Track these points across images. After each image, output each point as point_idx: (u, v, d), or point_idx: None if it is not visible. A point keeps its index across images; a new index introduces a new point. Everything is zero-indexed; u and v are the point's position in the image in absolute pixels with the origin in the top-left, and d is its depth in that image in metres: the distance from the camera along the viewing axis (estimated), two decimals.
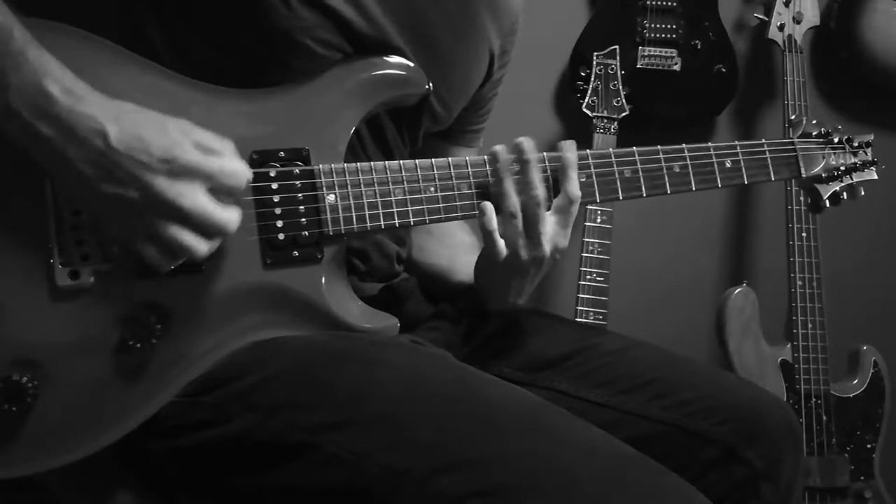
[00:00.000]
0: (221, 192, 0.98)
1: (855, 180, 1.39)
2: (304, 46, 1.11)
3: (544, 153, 1.17)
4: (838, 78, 2.59)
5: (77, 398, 0.99)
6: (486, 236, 1.14)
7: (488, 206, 1.13)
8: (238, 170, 0.99)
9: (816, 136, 1.38)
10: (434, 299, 1.37)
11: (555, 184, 1.17)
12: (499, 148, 1.15)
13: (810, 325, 2.22)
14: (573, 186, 1.16)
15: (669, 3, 2.33)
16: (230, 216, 0.98)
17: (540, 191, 1.13)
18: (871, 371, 2.29)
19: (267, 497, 1.02)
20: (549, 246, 1.15)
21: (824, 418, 2.21)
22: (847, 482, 2.20)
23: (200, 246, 0.97)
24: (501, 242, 1.14)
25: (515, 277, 1.18)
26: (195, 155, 0.96)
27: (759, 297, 2.25)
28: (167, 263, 0.98)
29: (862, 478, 2.23)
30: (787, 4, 2.33)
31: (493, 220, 1.13)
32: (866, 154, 1.40)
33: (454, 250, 1.42)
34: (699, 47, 2.36)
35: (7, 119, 0.92)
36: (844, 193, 1.39)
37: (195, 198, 0.95)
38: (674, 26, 2.34)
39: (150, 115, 0.97)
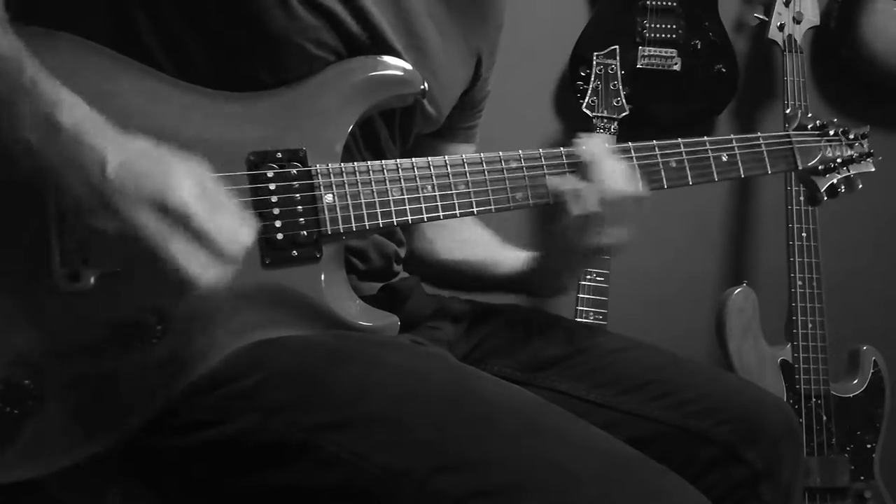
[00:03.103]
0: (208, 246, 0.93)
1: (852, 172, 1.39)
2: (299, 48, 1.11)
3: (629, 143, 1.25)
4: (838, 78, 2.59)
5: (78, 400, 0.99)
6: (573, 218, 1.19)
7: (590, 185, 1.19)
8: (233, 230, 0.94)
9: (812, 129, 1.38)
10: (440, 297, 1.37)
11: None
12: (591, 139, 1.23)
13: (810, 325, 2.22)
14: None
15: (669, 3, 2.33)
16: (206, 273, 0.92)
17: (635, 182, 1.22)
18: (871, 371, 2.29)
19: (267, 497, 1.02)
20: (624, 235, 1.22)
21: (824, 418, 2.21)
22: (847, 482, 2.20)
23: (174, 289, 0.93)
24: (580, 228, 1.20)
25: (582, 262, 1.26)
26: (189, 198, 0.91)
27: (759, 297, 2.25)
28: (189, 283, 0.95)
29: (862, 478, 2.23)
30: (787, 4, 2.33)
31: (584, 201, 1.18)
32: (862, 146, 1.40)
33: (483, 245, 1.45)
34: (699, 47, 2.36)
35: (17, 147, 0.91)
36: (842, 186, 1.39)
37: (167, 244, 0.91)
38: (674, 26, 2.34)
39: (163, 151, 0.94)
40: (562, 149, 1.21)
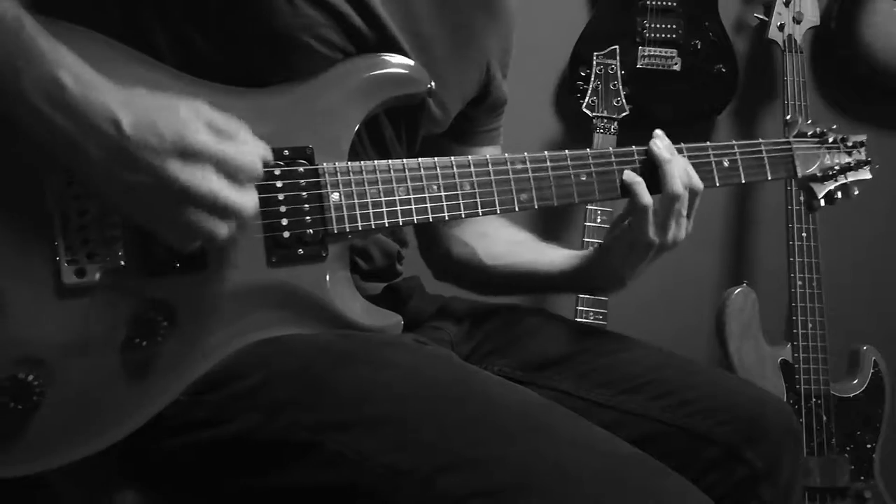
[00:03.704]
0: (235, 174, 0.97)
1: (849, 179, 1.41)
2: (306, 45, 1.11)
3: (683, 145, 1.28)
4: (838, 78, 2.60)
5: (82, 396, 0.99)
6: (639, 215, 1.22)
7: (642, 186, 1.22)
8: (252, 152, 0.98)
9: (812, 136, 1.40)
10: (441, 297, 1.38)
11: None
12: (660, 139, 1.25)
13: (810, 325, 2.23)
14: (698, 180, 1.25)
15: (669, 3, 2.33)
16: (245, 199, 0.97)
17: (698, 180, 1.25)
18: (871, 371, 2.29)
19: (270, 496, 1.02)
20: (684, 231, 1.26)
21: (824, 418, 2.21)
22: (847, 482, 2.21)
23: (217, 228, 0.96)
24: (653, 222, 1.23)
25: (643, 258, 1.28)
26: (206, 137, 0.95)
27: (759, 297, 2.26)
28: (185, 245, 0.98)
29: (862, 478, 2.23)
30: (787, 4, 2.34)
31: (649, 197, 1.22)
32: (860, 154, 1.42)
33: (533, 247, 1.46)
34: (699, 47, 2.36)
35: (21, 108, 0.92)
36: (839, 193, 1.41)
37: (208, 181, 0.94)
38: (674, 26, 2.34)
39: (163, 98, 0.96)
40: (566, 151, 1.22)
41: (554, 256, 1.41)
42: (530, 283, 1.42)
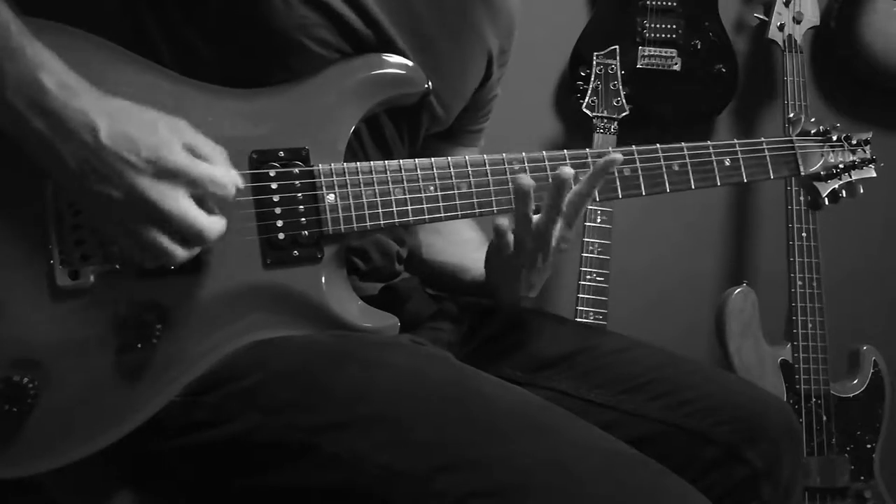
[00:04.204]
0: (207, 198, 0.97)
1: (853, 178, 1.39)
2: (302, 46, 1.11)
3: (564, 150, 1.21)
4: (838, 78, 2.59)
5: (77, 399, 0.99)
6: (497, 232, 1.16)
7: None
8: (225, 178, 0.98)
9: (815, 135, 1.38)
10: (441, 297, 1.37)
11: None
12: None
13: (810, 325, 2.22)
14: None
15: (669, 3, 2.33)
16: (210, 224, 0.97)
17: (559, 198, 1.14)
18: (871, 371, 2.29)
19: (267, 497, 1.02)
20: (555, 237, 1.16)
21: (824, 418, 2.21)
22: (847, 482, 2.20)
23: (176, 251, 0.96)
24: (511, 236, 1.15)
25: (525, 269, 1.19)
26: (182, 157, 0.95)
27: (759, 297, 2.25)
28: (146, 263, 0.98)
29: (862, 478, 2.23)
30: (787, 4, 2.33)
31: (505, 219, 1.15)
32: (864, 152, 1.40)
33: (463, 248, 1.43)
34: (699, 47, 2.36)
35: (1, 109, 0.92)
36: (843, 191, 1.40)
37: (176, 201, 0.94)
38: (674, 26, 2.34)
39: (144, 113, 0.96)
40: (565, 151, 1.21)
41: (471, 264, 1.39)
42: (453, 285, 1.41)
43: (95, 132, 0.92)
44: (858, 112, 2.61)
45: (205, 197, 0.97)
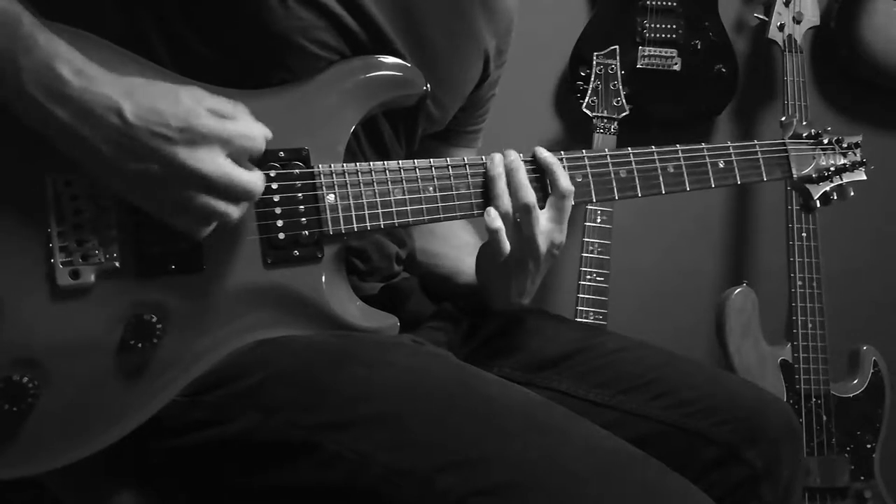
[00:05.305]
0: (241, 155, 0.99)
1: (845, 181, 1.41)
2: (300, 47, 1.11)
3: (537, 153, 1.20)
4: (838, 78, 2.60)
5: (78, 398, 0.99)
6: (490, 235, 1.15)
7: (491, 208, 1.15)
8: (255, 131, 1.00)
9: (807, 138, 1.41)
10: (438, 299, 1.37)
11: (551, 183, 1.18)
12: (495, 155, 1.17)
13: (810, 325, 2.23)
14: (563, 181, 1.17)
15: (669, 3, 2.33)
16: (253, 178, 0.99)
17: (527, 192, 1.15)
18: (871, 371, 2.29)
19: (268, 497, 1.02)
20: (544, 242, 1.16)
21: (824, 418, 2.21)
22: (847, 482, 2.21)
23: (230, 209, 0.98)
24: (504, 241, 1.14)
25: (515, 275, 1.19)
26: (211, 121, 0.96)
27: (759, 297, 2.25)
28: (201, 231, 0.99)
29: (862, 478, 2.23)
30: (787, 4, 2.33)
31: (497, 220, 1.14)
32: (855, 155, 1.42)
33: (459, 251, 1.42)
34: (699, 47, 2.36)
35: (22, 103, 0.92)
36: (834, 194, 1.42)
37: (216, 163, 0.96)
38: (674, 26, 2.34)
39: (162, 86, 0.97)
40: (562, 152, 1.21)
41: (465, 268, 1.37)
42: (447, 288, 1.41)
43: (121, 112, 0.93)
44: (858, 112, 2.61)
45: (237, 155, 0.98)
